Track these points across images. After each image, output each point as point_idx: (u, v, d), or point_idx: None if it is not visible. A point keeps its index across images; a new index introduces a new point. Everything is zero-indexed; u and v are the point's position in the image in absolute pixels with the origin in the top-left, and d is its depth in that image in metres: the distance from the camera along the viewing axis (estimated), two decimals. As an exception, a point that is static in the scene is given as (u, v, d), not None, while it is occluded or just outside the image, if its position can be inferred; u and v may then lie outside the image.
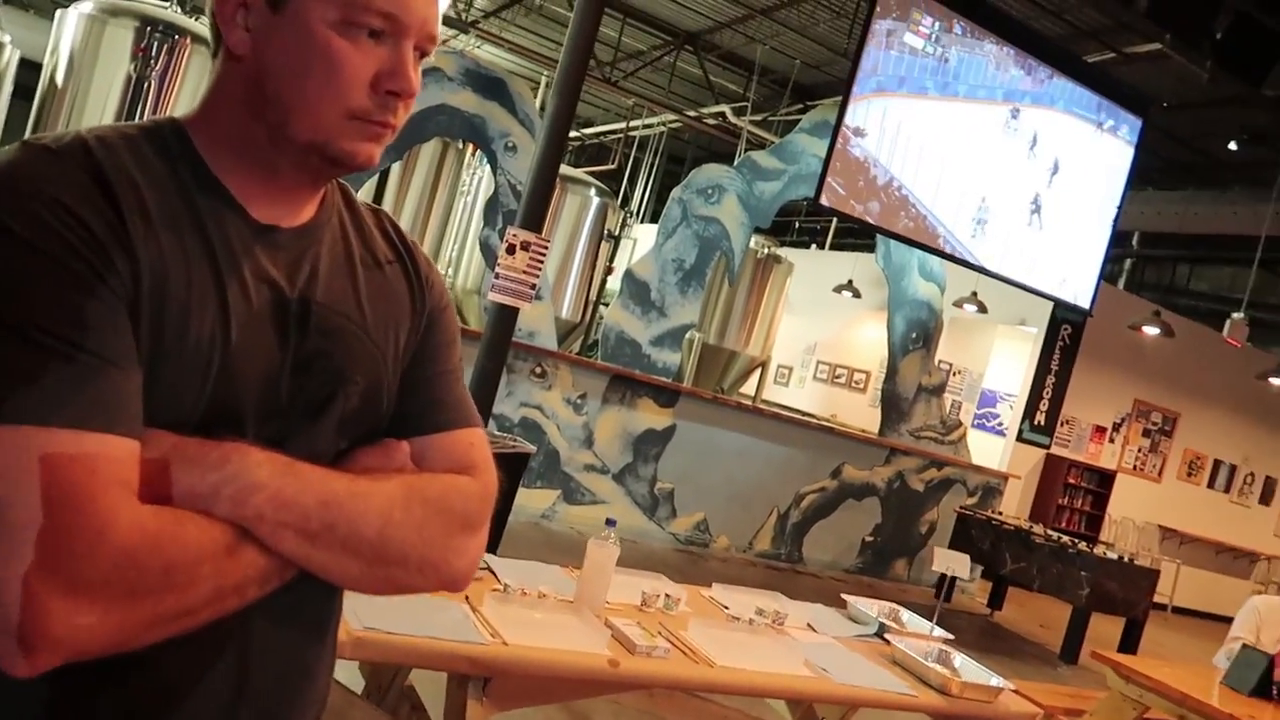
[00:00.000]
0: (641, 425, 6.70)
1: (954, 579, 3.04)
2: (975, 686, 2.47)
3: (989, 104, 7.11)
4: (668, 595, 2.48)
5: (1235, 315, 8.56)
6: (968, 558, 2.87)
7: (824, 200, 6.44)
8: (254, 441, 0.78)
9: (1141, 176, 9.20)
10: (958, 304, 9.57)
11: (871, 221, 6.76)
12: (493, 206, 6.65)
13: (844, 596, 3.01)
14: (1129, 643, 6.57)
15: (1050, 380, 9.73)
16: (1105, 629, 6.62)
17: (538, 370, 6.31)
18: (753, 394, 9.65)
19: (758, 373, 9.56)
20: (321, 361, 0.84)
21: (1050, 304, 9.01)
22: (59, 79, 6.53)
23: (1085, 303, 8.02)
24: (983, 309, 9.96)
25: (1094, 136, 7.68)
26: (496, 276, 5.10)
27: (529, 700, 2.17)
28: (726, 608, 2.64)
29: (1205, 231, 10.77)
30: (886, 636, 2.74)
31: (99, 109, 6.45)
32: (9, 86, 7.46)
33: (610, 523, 2.32)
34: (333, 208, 0.91)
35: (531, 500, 6.32)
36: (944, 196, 7.06)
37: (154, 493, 0.70)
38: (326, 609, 0.91)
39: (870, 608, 2.98)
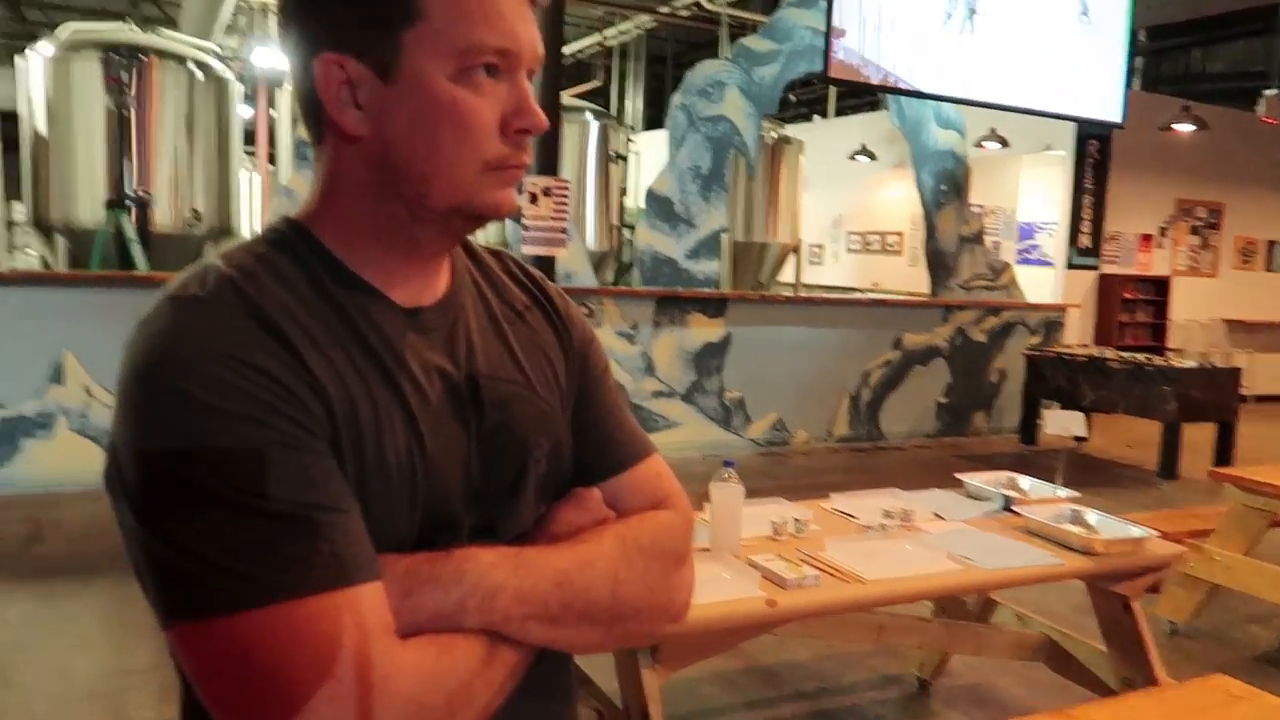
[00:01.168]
0: (697, 341, 6.66)
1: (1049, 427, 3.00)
2: (1118, 541, 2.45)
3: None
4: (796, 519, 2.47)
5: (1267, 92, 8.24)
6: (1081, 415, 2.83)
7: (833, 73, 6.21)
8: (467, 534, 0.77)
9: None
10: (978, 143, 9.31)
11: (886, 82, 6.52)
12: (499, 157, 6.51)
13: (959, 476, 2.99)
14: (1224, 447, 6.52)
15: (1088, 200, 9.50)
16: (1195, 435, 6.57)
17: (584, 310, 6.25)
18: (792, 281, 9.56)
19: (791, 258, 9.45)
20: (504, 435, 0.82)
21: (1073, 124, 8.73)
22: (41, 128, 6.43)
23: (1114, 115, 7.73)
24: (1004, 143, 9.69)
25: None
26: (525, 229, 5.02)
27: (698, 656, 2.19)
28: (853, 517, 2.62)
29: (1217, 11, 10.30)
30: (1015, 508, 2.71)
31: (88, 150, 6.37)
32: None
33: (728, 464, 2.29)
34: (462, 269, 0.87)
35: (606, 438, 6.33)
36: (947, 35, 6.77)
37: (406, 621, 0.68)
38: (565, 672, 0.91)
39: (988, 482, 2.96)
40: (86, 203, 6.37)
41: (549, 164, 5.10)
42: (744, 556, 2.22)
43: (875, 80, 6.51)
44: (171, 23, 11.12)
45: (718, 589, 2.04)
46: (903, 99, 7.81)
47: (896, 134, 8.63)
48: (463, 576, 0.71)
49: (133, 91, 6.39)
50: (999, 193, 11.42)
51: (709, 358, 6.72)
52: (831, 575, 2.18)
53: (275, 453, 0.65)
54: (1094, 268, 9.69)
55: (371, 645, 0.64)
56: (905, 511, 2.61)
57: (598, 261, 8.09)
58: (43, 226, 6.54)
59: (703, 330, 6.68)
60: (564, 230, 5.09)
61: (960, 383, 7.83)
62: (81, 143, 6.39)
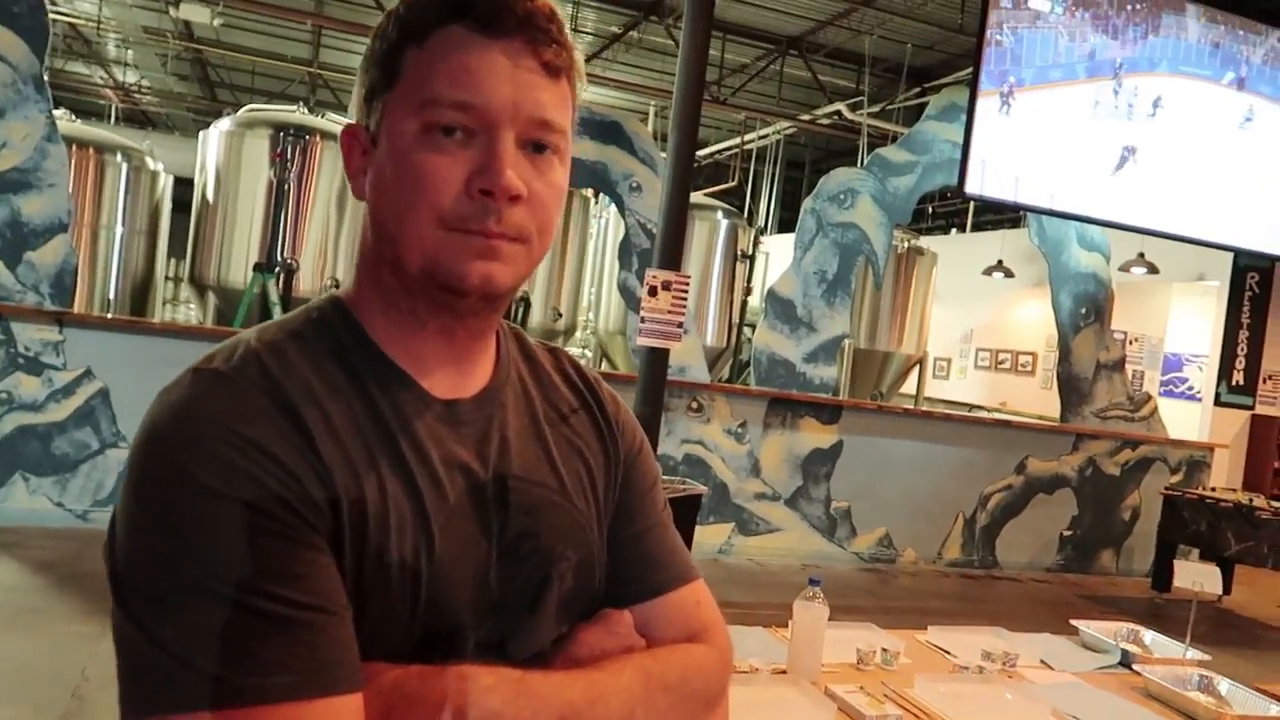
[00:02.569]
0: (807, 446, 6.50)
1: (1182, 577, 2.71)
2: (1252, 719, 2.19)
3: (1126, 77, 6.60)
4: (884, 649, 2.31)
5: None
6: (1217, 570, 2.57)
7: (969, 189, 6.10)
8: (473, 648, 0.71)
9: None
10: (1124, 268, 8.92)
11: (1022, 202, 6.36)
12: (625, 249, 6.63)
13: (1074, 623, 2.75)
14: (1392, 617, 5.84)
15: (1243, 335, 8.91)
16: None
17: (694, 405, 6.21)
18: (913, 393, 9.28)
19: (915, 370, 9.19)
20: (529, 543, 0.76)
21: (1229, 254, 8.28)
22: (209, 195, 6.96)
23: (1276, 247, 7.29)
24: (1153, 269, 9.26)
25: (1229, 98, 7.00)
26: (642, 320, 5.05)
27: (758, 791, 2.04)
28: (949, 654, 2.44)
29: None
30: (1135, 667, 2.47)
31: (248, 216, 6.84)
32: (168, 206, 8.02)
33: (814, 581, 2.17)
34: (509, 363, 0.83)
35: (706, 536, 6.21)
36: (1093, 159, 6.57)
37: None
38: None
39: (1106, 632, 2.71)
40: (239, 265, 6.82)
41: (672, 259, 5.15)
42: (822, 684, 2.08)
43: (1013, 198, 6.36)
44: (342, 108, 12.00)
45: (788, 717, 1.91)
46: (1044, 218, 7.59)
47: (1035, 252, 8.37)
48: (453, 698, 0.64)
49: (294, 167, 6.86)
50: (1146, 320, 10.88)
51: (817, 464, 6.54)
52: (915, 717, 2.02)
53: (264, 542, 0.61)
54: (1248, 407, 9.03)
55: None
56: (1008, 655, 2.40)
57: (715, 358, 8.07)
58: (198, 284, 7.02)
59: (814, 435, 6.52)
60: (680, 325, 5.09)
61: (1088, 516, 7.35)
62: (243, 210, 6.88)
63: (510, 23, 0.71)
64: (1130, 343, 10.70)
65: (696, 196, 8.72)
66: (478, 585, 0.73)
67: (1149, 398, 8.13)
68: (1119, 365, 7.95)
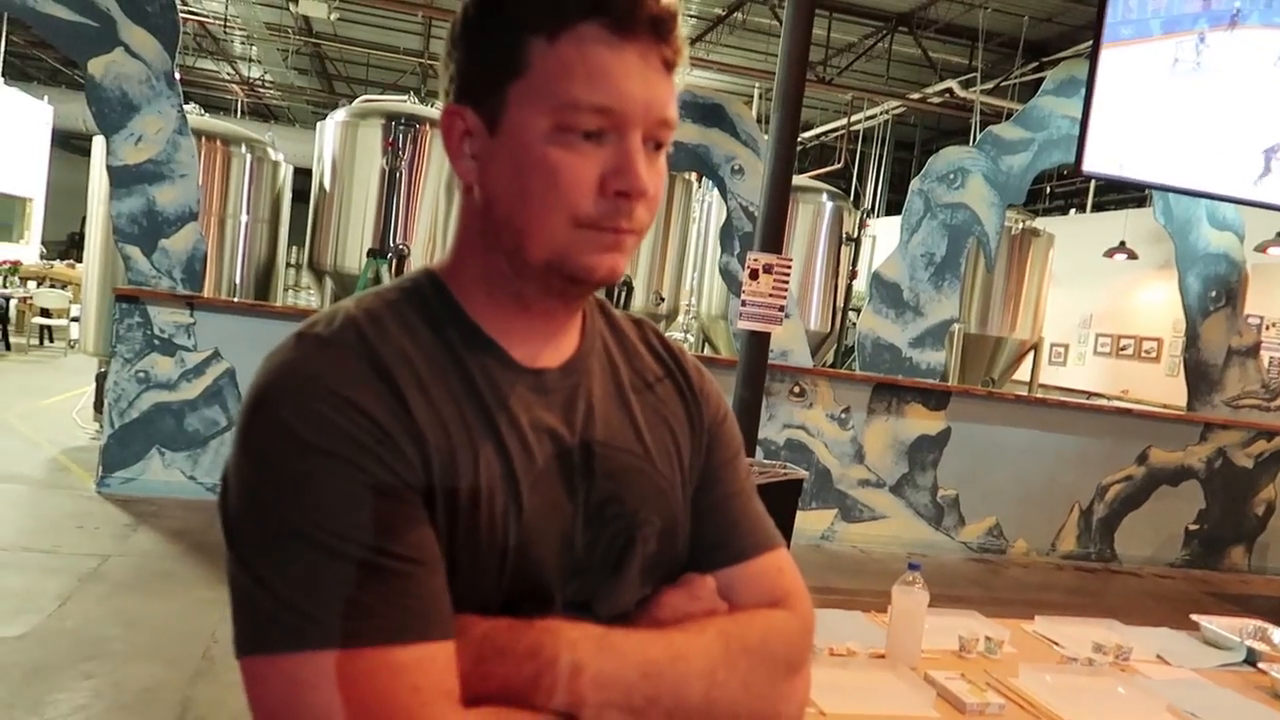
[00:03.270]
0: (913, 432, 6.36)
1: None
2: (1393, 723, 2.04)
3: (1258, 29, 6.17)
4: (988, 637, 2.25)
5: None
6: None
7: (1086, 167, 5.83)
8: (560, 607, 0.73)
9: None
10: (1261, 248, 8.40)
11: (1146, 179, 6.05)
12: (727, 232, 6.60)
13: (1195, 618, 2.62)
14: None
15: (1394, 319, 8.28)
16: None
17: (796, 390, 6.15)
18: (1028, 379, 8.96)
19: (1030, 356, 8.86)
20: (614, 508, 0.78)
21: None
22: (326, 183, 7.23)
23: None
24: (1293, 249, 8.68)
25: None
26: (743, 304, 5.02)
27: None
28: (1058, 645, 2.36)
29: None
30: (1261, 665, 2.34)
31: (362, 203, 7.08)
32: (289, 195, 8.38)
33: (914, 566, 2.14)
34: (595, 334, 0.85)
35: (809, 522, 6.15)
36: (1224, 134, 6.19)
37: (474, 690, 0.66)
38: None
39: (1230, 628, 2.57)
40: (354, 251, 7.07)
41: (774, 241, 5.09)
42: (921, 670, 2.04)
43: (1134, 174, 6.05)
44: (450, 96, 12.27)
45: (885, 699, 1.89)
46: (1171, 196, 7.20)
47: (1161, 232, 7.95)
48: (540, 650, 0.67)
49: (405, 156, 7.07)
50: (1284, 304, 10.21)
51: (924, 451, 6.39)
52: (1021, 707, 1.96)
53: (361, 494, 0.64)
54: (1398, 397, 8.39)
55: (424, 709, 0.62)
56: (1121, 648, 2.31)
57: (818, 343, 7.96)
58: (316, 269, 7.31)
59: (920, 421, 6.37)
60: (782, 308, 5.04)
61: (1216, 510, 6.97)
62: (358, 198, 7.13)
63: (645, 21, 0.71)
64: (1267, 328, 10.05)
65: (801, 179, 8.60)
66: (563, 546, 0.75)
67: (1286, 385, 7.64)
68: (1253, 351, 7.49)
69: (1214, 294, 7.38)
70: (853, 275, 8.71)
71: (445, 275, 0.79)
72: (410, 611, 0.64)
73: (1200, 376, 7.41)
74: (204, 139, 7.14)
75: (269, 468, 0.65)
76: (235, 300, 6.96)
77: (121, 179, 5.51)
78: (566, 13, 0.70)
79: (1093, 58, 5.85)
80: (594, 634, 0.70)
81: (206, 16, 12.56)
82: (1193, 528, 6.96)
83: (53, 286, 12.31)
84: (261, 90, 17.63)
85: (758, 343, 5.08)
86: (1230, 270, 7.40)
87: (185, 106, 5.88)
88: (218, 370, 5.57)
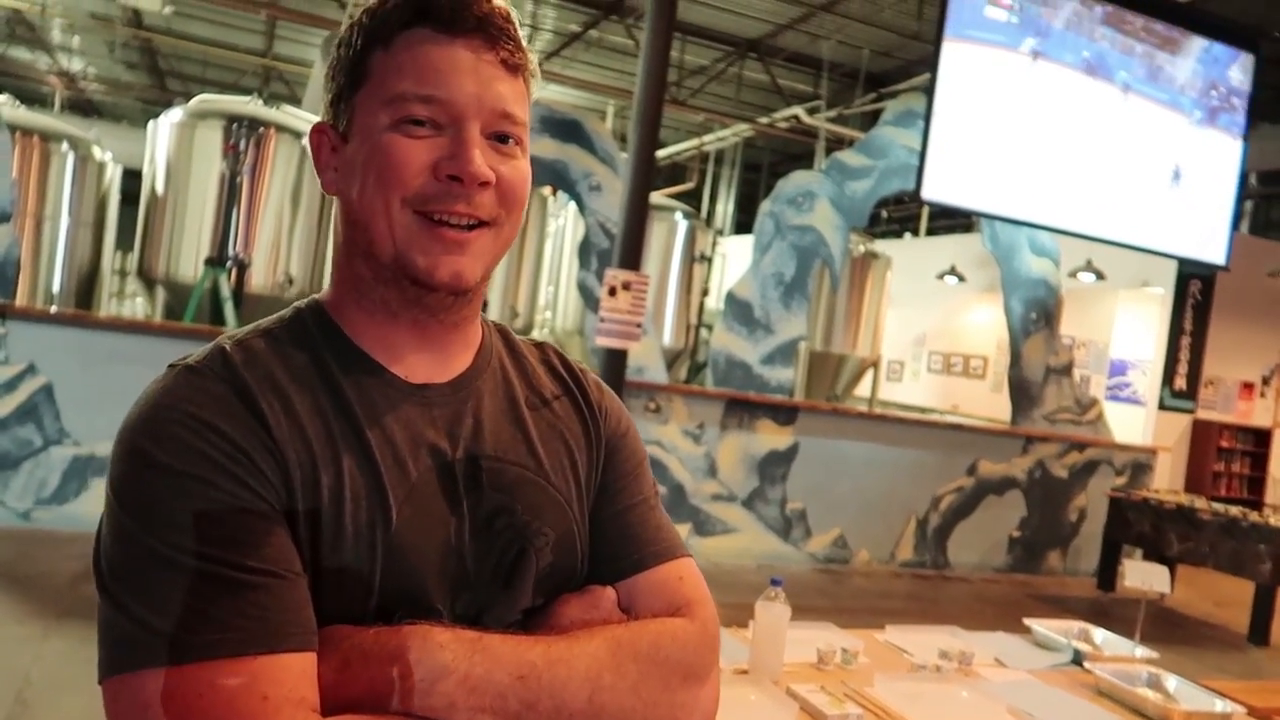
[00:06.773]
0: (763, 447, 6.54)
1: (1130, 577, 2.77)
2: (1200, 715, 2.24)
3: (1082, 73, 6.74)
4: (844, 649, 2.33)
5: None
6: (1166, 571, 2.63)
7: (925, 194, 6.18)
8: (449, 620, 0.72)
9: (1254, 113, 8.60)
10: (1072, 274, 9.12)
11: (978, 208, 6.47)
12: (585, 248, 6.61)
13: (1027, 622, 2.80)
14: (1324, 615, 6.04)
15: (1185, 341, 9.16)
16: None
17: (652, 405, 6.21)
18: (867, 395, 9.39)
19: (870, 373, 9.30)
20: (503, 519, 0.78)
21: (1174, 261, 8.50)
22: (159, 186, 6.80)
23: (1218, 257, 7.50)
24: (1100, 276, 9.47)
25: (1198, 125, 7.20)
26: (601, 320, 5.04)
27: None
28: (907, 652, 2.47)
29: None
30: (1086, 664, 2.52)
31: (199, 209, 6.69)
32: (116, 197, 7.83)
33: (776, 581, 2.18)
34: (490, 353, 0.86)
35: (663, 537, 6.20)
36: (1047, 168, 6.71)
37: (339, 696, 0.65)
38: None
39: (1057, 630, 2.76)
40: (190, 259, 6.67)
41: (632, 259, 5.14)
42: (784, 684, 2.09)
43: (966, 203, 6.46)
44: (296, 101, 11.80)
45: (749, 716, 1.92)
46: (997, 223, 7.72)
47: (988, 257, 8.52)
48: (404, 652, 0.66)
49: (247, 160, 6.73)
50: (1092, 326, 11.13)
51: (774, 465, 6.58)
52: (877, 716, 2.03)
53: (216, 511, 0.65)
54: (1189, 411, 9.29)
55: (271, 717, 0.61)
56: (964, 654, 2.44)
57: (672, 359, 8.08)
58: (147, 278, 6.85)
59: (770, 437, 6.56)
60: (639, 325, 5.09)
61: (1036, 518, 7.49)
62: (194, 203, 6.73)
63: (470, 21, 0.76)
64: (1078, 348, 10.93)
65: (655, 197, 8.72)
66: (446, 559, 0.75)
67: (1095, 402, 8.30)
68: (1067, 369, 8.12)
69: (1034, 316, 7.95)
70: (705, 293, 8.90)
71: (326, 300, 0.81)
72: (266, 623, 0.64)
73: (1022, 393, 7.96)
74: (19, 134, 6.60)
75: (127, 494, 0.66)
76: (53, 310, 6.43)
77: (-80, 174, 5.01)
78: (394, 21, 0.76)
79: (928, 102, 6.22)
80: (466, 637, 0.69)
81: (22, 2, 11.61)
82: (1015, 535, 7.45)
83: None
84: (84, 84, 16.43)
85: (615, 358, 5.11)
86: (1048, 294, 8.00)
87: (-2, 98, 5.40)
88: (33, 386, 5.11)
